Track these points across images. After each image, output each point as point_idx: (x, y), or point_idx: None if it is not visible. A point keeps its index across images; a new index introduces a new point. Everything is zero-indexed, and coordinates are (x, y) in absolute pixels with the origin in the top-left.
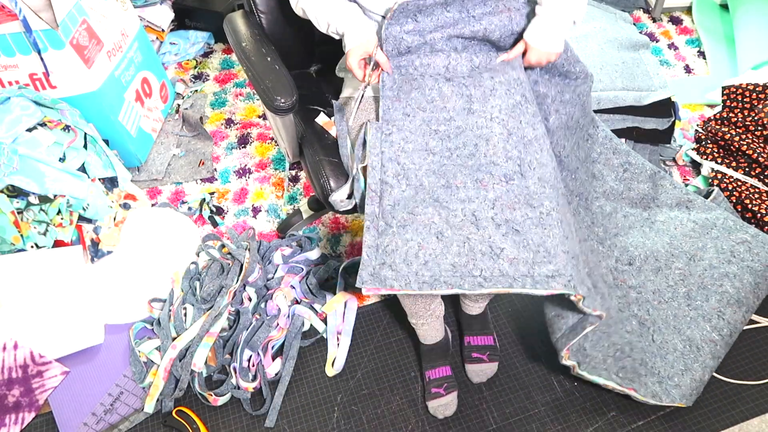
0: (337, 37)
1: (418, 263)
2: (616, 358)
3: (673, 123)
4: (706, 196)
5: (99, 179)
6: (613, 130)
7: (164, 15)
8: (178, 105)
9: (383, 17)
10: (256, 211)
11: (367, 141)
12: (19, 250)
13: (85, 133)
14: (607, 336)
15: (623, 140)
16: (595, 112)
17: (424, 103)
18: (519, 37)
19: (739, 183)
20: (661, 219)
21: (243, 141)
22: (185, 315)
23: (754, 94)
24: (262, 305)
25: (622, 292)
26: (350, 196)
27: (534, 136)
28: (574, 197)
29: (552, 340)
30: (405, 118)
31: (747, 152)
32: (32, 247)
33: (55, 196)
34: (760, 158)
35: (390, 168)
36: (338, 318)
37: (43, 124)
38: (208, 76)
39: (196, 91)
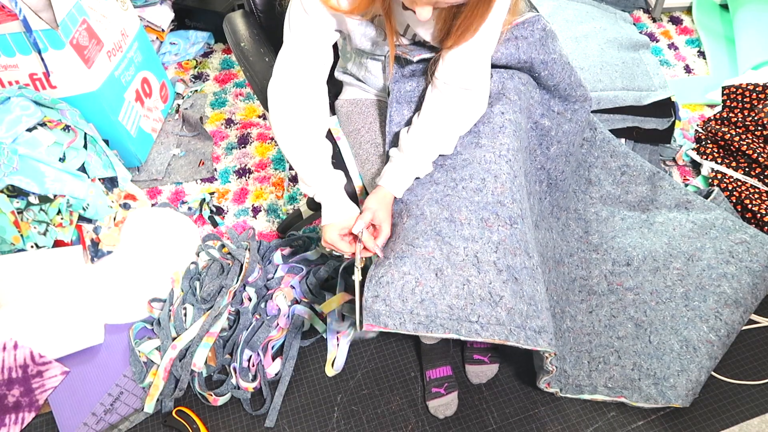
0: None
1: (414, 300)
2: (600, 371)
3: (673, 123)
4: (706, 196)
5: (99, 179)
6: (613, 130)
7: (164, 15)
8: (178, 105)
9: (385, 57)
10: (256, 211)
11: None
12: (19, 250)
13: (85, 133)
14: (587, 353)
15: (623, 140)
16: (595, 112)
17: None
18: (527, 65)
19: (739, 183)
20: (659, 220)
21: (243, 141)
22: (185, 315)
23: (754, 94)
24: (262, 305)
25: (617, 297)
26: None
27: (524, 185)
28: (563, 212)
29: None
30: None
31: (747, 152)
32: (32, 247)
33: (55, 196)
34: (760, 158)
35: (394, 209)
36: (338, 318)
37: (43, 124)
38: (208, 76)
39: (196, 91)
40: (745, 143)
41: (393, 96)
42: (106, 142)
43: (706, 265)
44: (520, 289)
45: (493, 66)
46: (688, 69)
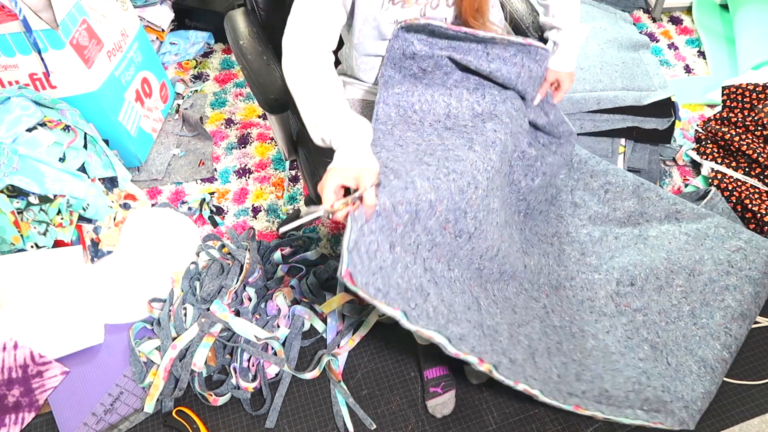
0: (322, 144)
1: (375, 264)
2: (636, 391)
3: (673, 123)
4: (704, 196)
5: (99, 179)
6: (612, 130)
7: (164, 15)
8: (178, 105)
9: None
10: (256, 211)
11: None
12: (19, 250)
13: (85, 133)
14: (620, 372)
15: (608, 152)
16: (595, 112)
17: (420, 140)
18: (518, 92)
19: (739, 183)
20: (653, 234)
21: (243, 141)
22: (185, 315)
23: (754, 94)
24: (262, 305)
25: (628, 318)
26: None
27: (495, 209)
28: (555, 238)
29: None
30: (396, 148)
31: (747, 152)
32: (32, 247)
33: (55, 196)
34: (760, 158)
35: (383, 169)
36: (338, 318)
37: (43, 124)
38: (208, 76)
39: (196, 91)
40: (745, 143)
41: (380, 96)
42: (106, 142)
43: (708, 279)
44: (440, 292)
45: (488, 79)
46: (688, 69)
